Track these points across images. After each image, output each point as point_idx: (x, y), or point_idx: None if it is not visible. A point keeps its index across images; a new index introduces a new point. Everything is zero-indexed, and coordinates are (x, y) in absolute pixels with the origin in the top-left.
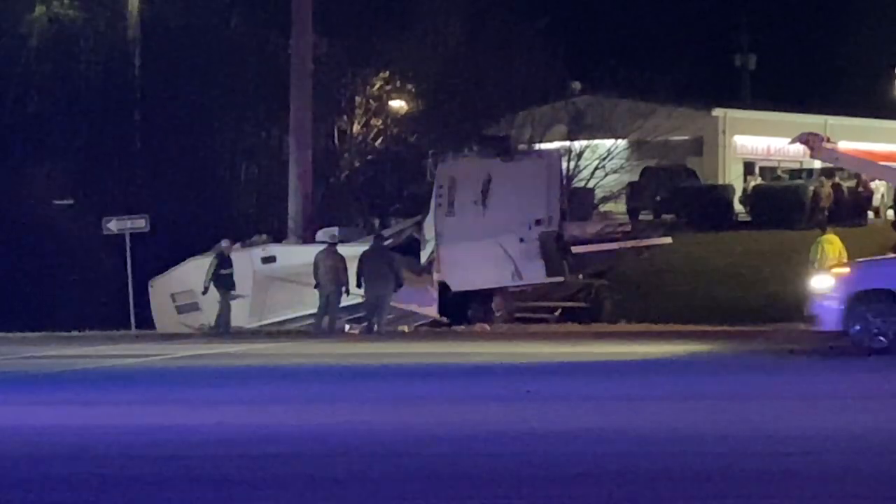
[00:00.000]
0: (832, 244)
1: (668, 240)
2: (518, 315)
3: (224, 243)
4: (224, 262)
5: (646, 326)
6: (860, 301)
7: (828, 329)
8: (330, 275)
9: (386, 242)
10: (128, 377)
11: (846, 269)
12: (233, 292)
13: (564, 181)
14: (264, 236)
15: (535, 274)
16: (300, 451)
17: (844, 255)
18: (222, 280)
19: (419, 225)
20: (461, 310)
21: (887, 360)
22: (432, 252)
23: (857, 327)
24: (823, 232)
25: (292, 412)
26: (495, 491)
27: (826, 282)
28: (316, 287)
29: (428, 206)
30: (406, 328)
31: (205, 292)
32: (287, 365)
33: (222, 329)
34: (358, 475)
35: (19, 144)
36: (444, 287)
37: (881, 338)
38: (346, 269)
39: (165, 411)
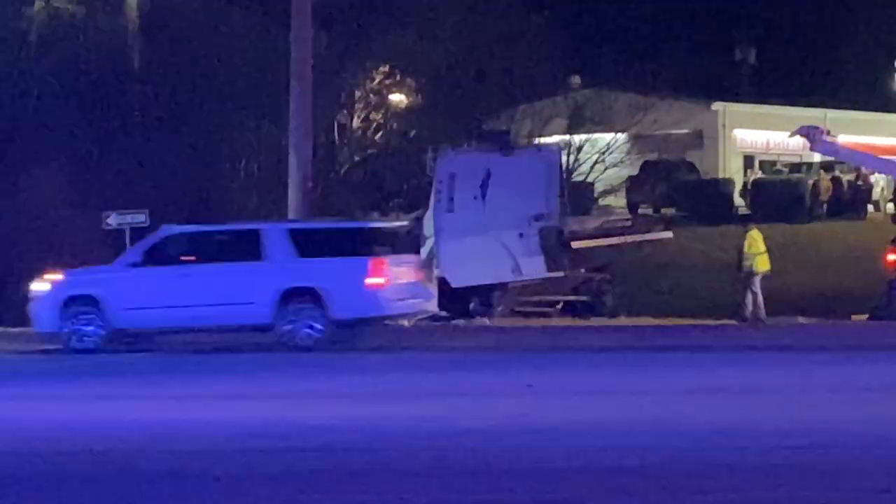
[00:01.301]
0: (757, 239)
1: (669, 234)
2: (519, 309)
3: None
4: None
5: (644, 320)
6: (68, 305)
7: (45, 330)
8: None
9: None
10: (123, 371)
11: (59, 276)
12: None
13: (564, 175)
14: None
15: (535, 269)
16: (298, 445)
17: (765, 249)
18: None
19: (418, 220)
20: (462, 304)
21: (90, 360)
22: (432, 248)
23: (66, 329)
24: (747, 228)
25: (287, 406)
26: None
27: (43, 286)
28: None
29: (428, 201)
30: (406, 322)
31: None
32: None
33: None
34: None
35: (18, 139)
36: (444, 282)
37: (86, 338)
38: None
39: (160, 406)
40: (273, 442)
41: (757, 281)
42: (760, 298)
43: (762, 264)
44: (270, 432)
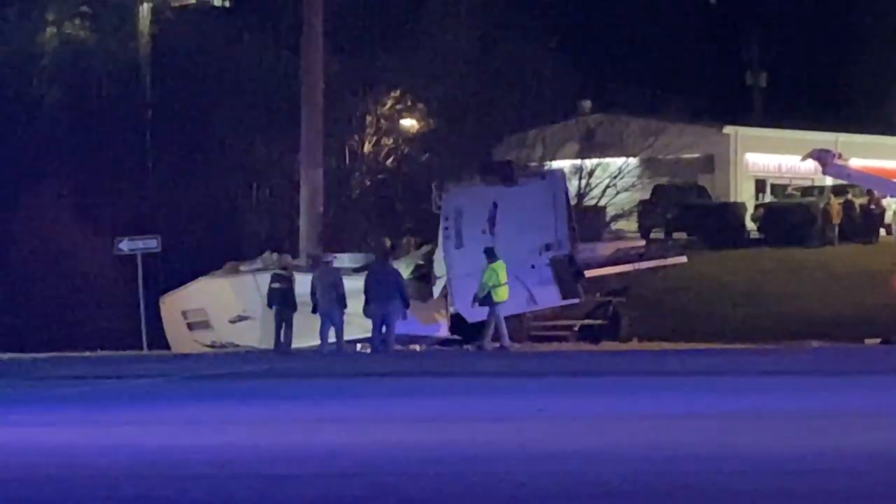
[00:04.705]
0: (499, 271)
1: (684, 259)
2: (536, 334)
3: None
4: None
5: (657, 344)
6: None
7: None
8: (328, 294)
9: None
10: (136, 396)
11: None
12: (240, 314)
13: (574, 200)
14: (275, 255)
15: (550, 298)
16: (308, 471)
17: (505, 281)
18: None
19: (428, 255)
20: (476, 329)
21: None
22: (445, 286)
23: None
24: (493, 260)
25: (299, 431)
26: None
27: None
28: (314, 311)
29: (437, 234)
30: (418, 347)
31: (270, 306)
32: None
33: (284, 348)
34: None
35: (31, 165)
36: (459, 317)
37: None
38: (343, 285)
39: (175, 431)
40: (274, 468)
41: (498, 310)
42: (504, 328)
43: (502, 295)
44: (272, 458)
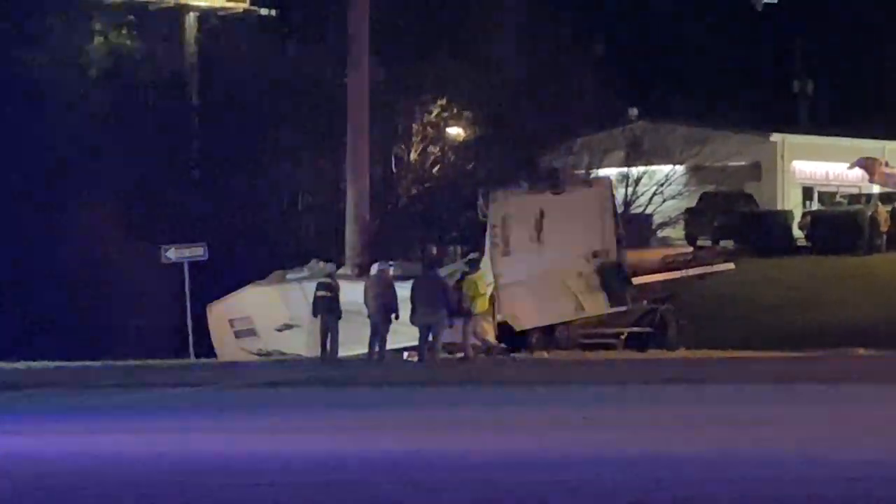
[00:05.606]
0: (478, 283)
1: (731, 266)
2: (583, 342)
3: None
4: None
5: (704, 352)
6: None
7: None
8: (378, 301)
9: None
10: (182, 406)
11: None
12: (287, 322)
13: (621, 208)
14: (321, 264)
15: (598, 305)
16: (354, 477)
17: (484, 291)
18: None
19: (474, 263)
20: (523, 337)
21: None
22: (492, 295)
23: None
24: (475, 271)
25: (344, 439)
26: None
27: None
28: (369, 316)
29: (483, 240)
30: (462, 355)
31: (316, 315)
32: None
33: (330, 356)
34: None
35: (77, 173)
36: (506, 325)
37: None
38: (395, 294)
39: (222, 440)
40: (315, 475)
41: (477, 320)
42: (471, 338)
43: (481, 306)
44: (310, 466)
